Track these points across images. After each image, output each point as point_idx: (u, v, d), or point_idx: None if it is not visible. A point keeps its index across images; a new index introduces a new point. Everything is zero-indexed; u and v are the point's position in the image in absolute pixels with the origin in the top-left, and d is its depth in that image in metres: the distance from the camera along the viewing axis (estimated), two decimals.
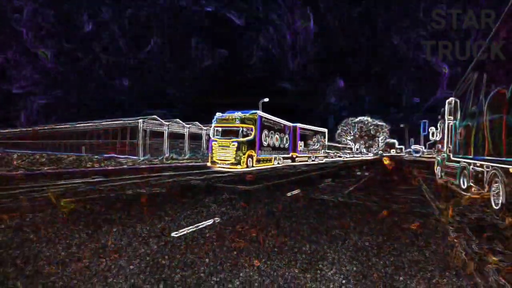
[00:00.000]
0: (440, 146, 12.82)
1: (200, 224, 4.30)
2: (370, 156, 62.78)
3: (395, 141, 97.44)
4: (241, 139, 16.16)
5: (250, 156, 16.92)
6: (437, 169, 12.77)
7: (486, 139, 5.96)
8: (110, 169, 14.30)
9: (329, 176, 13.30)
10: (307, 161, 26.78)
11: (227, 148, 16.04)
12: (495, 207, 5.40)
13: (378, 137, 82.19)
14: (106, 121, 38.34)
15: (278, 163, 21.30)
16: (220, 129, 16.90)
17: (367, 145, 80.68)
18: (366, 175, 14.56)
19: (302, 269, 2.81)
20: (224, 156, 16.08)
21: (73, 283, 2.37)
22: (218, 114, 17.56)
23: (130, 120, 34.73)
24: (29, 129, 48.24)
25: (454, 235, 4.15)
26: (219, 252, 3.19)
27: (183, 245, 3.39)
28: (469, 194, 7.78)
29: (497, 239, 4.00)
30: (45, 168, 13.77)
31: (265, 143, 18.93)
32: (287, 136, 23.23)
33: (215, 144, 16.53)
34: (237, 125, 16.50)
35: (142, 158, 26.72)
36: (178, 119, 38.66)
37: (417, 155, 60.73)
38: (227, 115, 17.28)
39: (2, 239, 3.41)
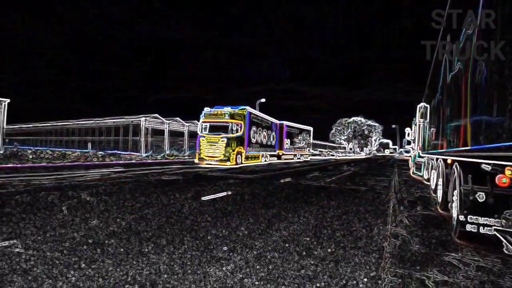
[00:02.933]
0: (413, 145, 14.86)
1: (218, 194, 6.13)
2: (362, 156, 65.10)
3: (389, 141, 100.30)
4: (231, 135, 15.91)
5: (239, 153, 16.72)
6: (411, 165, 14.78)
7: (431, 139, 7.90)
8: (123, 163, 16.01)
9: (318, 170, 15.22)
10: (292, 159, 26.92)
11: (215, 144, 15.71)
12: (432, 187, 7.32)
13: (371, 137, 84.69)
14: (110, 119, 39.76)
15: (265, 160, 21.33)
16: (208, 124, 16.47)
17: (360, 145, 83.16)
18: (352, 170, 16.52)
19: (285, 212, 4.67)
20: (212, 152, 15.79)
21: (160, 212, 4.17)
22: (206, 109, 17.03)
23: (132, 118, 36.29)
24: (35, 125, 49.30)
25: (393, 203, 6.04)
26: (234, 205, 5.03)
27: (211, 203, 5.21)
28: (428, 183, 9.71)
29: (421, 205, 5.90)
30: (64, 161, 15.44)
31: (253, 140, 18.77)
32: (273, 133, 23.21)
33: (203, 140, 16.16)
34: (226, 120, 16.09)
35: (144, 155, 28.41)
36: (178, 118, 40.32)
37: (408, 154, 63.37)
38: (215, 110, 16.87)
39: (100, 200, 5.19)
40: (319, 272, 2.42)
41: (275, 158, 24.23)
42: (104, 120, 40.77)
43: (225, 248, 2.89)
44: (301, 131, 29.04)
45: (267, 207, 5.00)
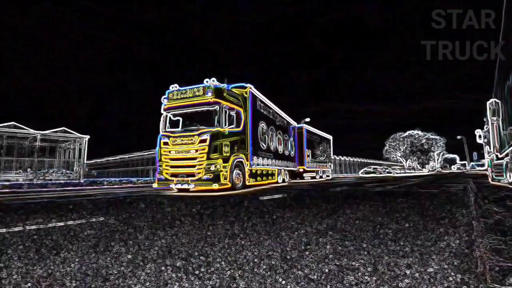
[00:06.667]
0: (487, 148, 13.02)
1: (274, 196, 6.16)
2: (425, 172, 58.65)
3: (455, 156, 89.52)
4: (218, 129, 8.22)
5: (239, 165, 8.99)
6: (489, 171, 12.85)
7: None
8: None
9: (374, 182, 14.18)
10: (314, 177, 19.60)
11: (189, 150, 8.07)
12: None
13: (433, 152, 76.29)
14: None
15: (283, 180, 13.71)
16: (174, 113, 9.16)
17: (420, 161, 75.32)
18: (415, 181, 15.01)
19: (347, 205, 4.45)
20: (184, 166, 8.14)
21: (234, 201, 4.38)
22: (173, 87, 9.19)
23: None
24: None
25: (474, 198, 5.29)
26: (288, 202, 4.98)
27: (268, 201, 5.26)
28: None
29: (509, 200, 5.05)
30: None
31: (263, 145, 10.97)
32: (291, 139, 15.32)
33: (166, 144, 8.41)
34: (207, 99, 8.37)
35: None
36: None
37: (482, 168, 54.87)
38: (188, 88, 8.89)
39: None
40: (400, 237, 2.24)
41: (293, 177, 16.97)
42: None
43: (292, 223, 2.88)
44: (321, 139, 21.64)
45: (328, 202, 4.84)
